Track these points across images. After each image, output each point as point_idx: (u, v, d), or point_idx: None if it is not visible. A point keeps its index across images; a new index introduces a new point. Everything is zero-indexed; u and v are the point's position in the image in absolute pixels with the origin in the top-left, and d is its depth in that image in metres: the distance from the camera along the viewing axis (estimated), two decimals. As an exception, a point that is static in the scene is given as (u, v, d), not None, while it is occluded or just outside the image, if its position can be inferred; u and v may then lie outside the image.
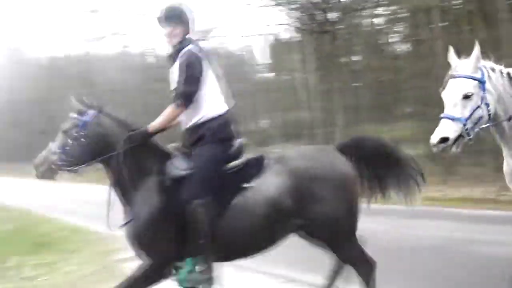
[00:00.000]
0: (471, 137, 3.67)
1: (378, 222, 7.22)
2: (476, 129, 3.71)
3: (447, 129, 3.60)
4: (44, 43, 79.85)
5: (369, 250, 4.03)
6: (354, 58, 19.15)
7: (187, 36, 4.11)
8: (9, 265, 7.96)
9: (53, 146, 3.99)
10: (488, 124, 3.76)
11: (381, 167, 4.27)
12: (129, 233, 3.85)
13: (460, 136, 3.63)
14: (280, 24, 18.21)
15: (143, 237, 3.81)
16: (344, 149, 4.24)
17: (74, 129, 3.99)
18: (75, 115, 4.05)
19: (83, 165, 4.02)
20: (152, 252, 3.81)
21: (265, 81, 26.03)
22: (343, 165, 4.10)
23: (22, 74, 43.52)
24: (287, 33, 20.62)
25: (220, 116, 4.05)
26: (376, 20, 18.61)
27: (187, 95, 3.89)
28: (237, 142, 4.17)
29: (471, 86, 3.68)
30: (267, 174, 3.96)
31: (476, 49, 3.72)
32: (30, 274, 7.53)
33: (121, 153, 3.88)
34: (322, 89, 17.60)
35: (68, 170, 4.05)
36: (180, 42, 4.04)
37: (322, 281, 4.30)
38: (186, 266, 3.84)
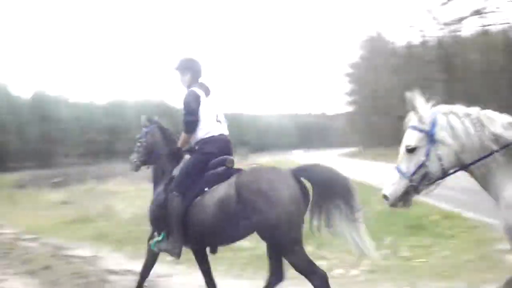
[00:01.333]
0: (420, 193, 3.48)
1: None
2: (428, 184, 3.44)
3: (391, 185, 3.43)
4: (401, 31, 78.40)
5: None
6: None
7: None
8: (384, 243, 7.96)
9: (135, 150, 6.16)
10: (440, 181, 3.44)
11: (326, 196, 4.52)
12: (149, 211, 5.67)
13: (406, 193, 3.42)
14: None
15: (152, 213, 5.52)
16: (299, 173, 4.76)
17: (141, 139, 6.01)
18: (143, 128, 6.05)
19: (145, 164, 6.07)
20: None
21: None
22: (286, 185, 4.60)
23: (382, 63, 45.40)
24: None
25: (209, 137, 5.23)
26: None
27: (187, 111, 5.32)
28: (222, 157, 5.20)
29: (414, 139, 3.40)
30: (224, 183, 4.89)
31: (418, 96, 3.45)
32: (405, 254, 7.69)
33: (162, 157, 5.70)
34: None
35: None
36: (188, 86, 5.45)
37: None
38: (159, 237, 5.31)
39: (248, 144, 78.36)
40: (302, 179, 4.76)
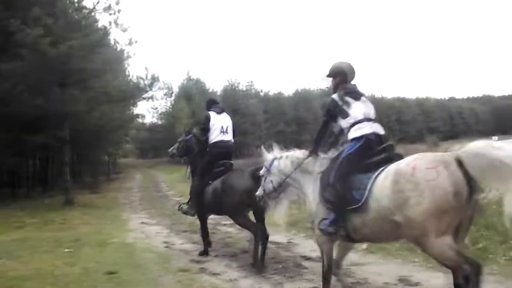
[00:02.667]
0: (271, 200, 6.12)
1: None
2: (273, 195, 6.02)
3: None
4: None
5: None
6: None
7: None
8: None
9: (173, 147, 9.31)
10: (273, 190, 5.96)
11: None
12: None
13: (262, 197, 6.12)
14: None
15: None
16: (254, 173, 7.04)
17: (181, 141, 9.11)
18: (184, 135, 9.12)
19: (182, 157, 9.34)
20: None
21: None
22: (238, 181, 7.54)
23: None
24: None
25: (214, 143, 8.13)
26: None
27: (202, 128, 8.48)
28: (223, 161, 8.19)
29: (262, 170, 6.14)
30: (217, 180, 7.95)
31: (263, 148, 6.33)
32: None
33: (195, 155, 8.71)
34: None
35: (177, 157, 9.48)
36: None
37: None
38: (185, 204, 8.89)
39: (436, 131, 73.92)
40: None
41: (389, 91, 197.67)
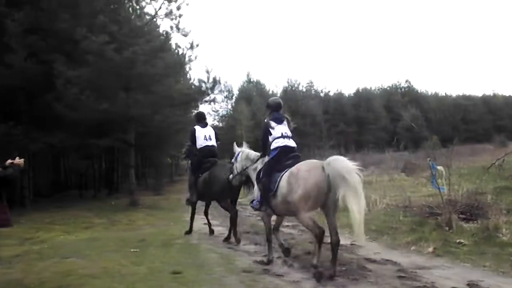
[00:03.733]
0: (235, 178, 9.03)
1: None
2: (238, 177, 8.96)
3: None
4: None
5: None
6: None
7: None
8: None
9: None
10: (237, 174, 8.87)
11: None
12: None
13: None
14: None
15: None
16: (232, 167, 9.27)
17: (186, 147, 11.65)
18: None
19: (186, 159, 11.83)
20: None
21: None
22: (220, 173, 9.90)
23: None
24: None
25: (200, 148, 10.73)
26: None
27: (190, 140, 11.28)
28: (209, 159, 10.59)
29: (233, 160, 9.09)
30: (206, 173, 10.41)
31: (234, 144, 9.31)
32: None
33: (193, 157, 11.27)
34: None
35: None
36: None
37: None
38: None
39: (504, 130, 71.05)
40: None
41: (454, 89, 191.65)
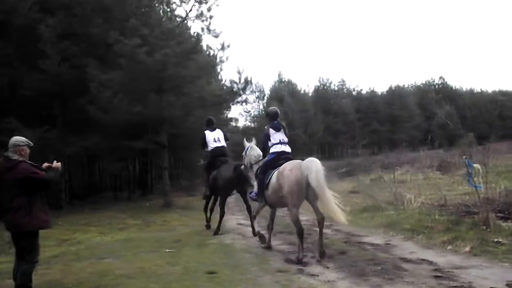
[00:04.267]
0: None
1: None
2: (247, 169, 10.20)
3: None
4: None
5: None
6: None
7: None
8: None
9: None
10: (245, 166, 10.28)
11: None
12: None
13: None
14: None
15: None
16: (236, 166, 10.94)
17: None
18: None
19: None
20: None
21: None
22: (225, 171, 11.25)
23: None
24: None
25: (211, 149, 12.05)
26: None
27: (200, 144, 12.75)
28: (220, 158, 11.88)
29: (243, 153, 10.40)
30: (216, 171, 11.71)
31: (244, 139, 10.59)
32: None
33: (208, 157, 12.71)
34: None
35: None
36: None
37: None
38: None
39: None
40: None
41: (490, 85, 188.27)
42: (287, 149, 9.08)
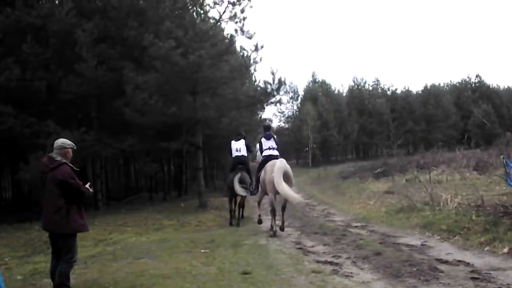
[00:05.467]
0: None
1: None
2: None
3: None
4: None
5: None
6: None
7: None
8: None
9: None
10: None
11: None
12: None
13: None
14: None
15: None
16: (240, 176, 13.70)
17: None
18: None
19: None
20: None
21: None
22: (231, 178, 14.13)
23: None
24: None
25: (233, 157, 14.36)
26: None
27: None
28: (239, 165, 14.11)
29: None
30: (232, 172, 14.16)
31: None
32: None
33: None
34: None
35: None
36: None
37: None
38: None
39: None
40: None
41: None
42: (275, 153, 12.27)
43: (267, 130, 12.94)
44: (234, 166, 14.22)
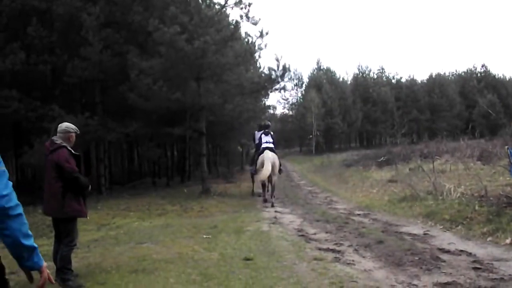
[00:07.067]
0: None
1: None
2: None
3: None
4: None
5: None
6: None
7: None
8: None
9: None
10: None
11: None
12: None
13: None
14: None
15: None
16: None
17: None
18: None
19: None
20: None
21: None
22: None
23: None
24: None
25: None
26: None
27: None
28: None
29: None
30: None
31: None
32: None
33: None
34: None
35: None
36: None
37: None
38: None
39: None
40: None
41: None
42: (270, 146, 15.39)
43: (266, 127, 16.30)
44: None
